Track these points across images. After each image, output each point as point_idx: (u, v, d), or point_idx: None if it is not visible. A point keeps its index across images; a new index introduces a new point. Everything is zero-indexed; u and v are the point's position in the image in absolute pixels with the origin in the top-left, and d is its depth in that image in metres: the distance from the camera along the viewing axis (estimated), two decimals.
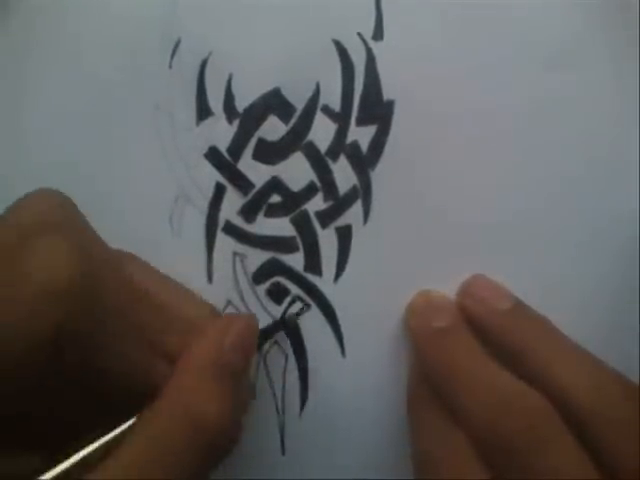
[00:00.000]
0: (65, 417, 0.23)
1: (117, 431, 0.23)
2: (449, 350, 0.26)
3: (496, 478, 0.24)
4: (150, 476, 0.21)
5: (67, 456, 0.22)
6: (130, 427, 0.23)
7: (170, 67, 0.29)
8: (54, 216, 0.22)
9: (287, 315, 0.29)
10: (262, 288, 0.29)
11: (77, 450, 0.22)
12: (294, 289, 0.29)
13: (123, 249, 0.28)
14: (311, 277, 0.29)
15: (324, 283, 0.29)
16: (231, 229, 0.29)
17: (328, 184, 0.29)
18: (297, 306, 0.29)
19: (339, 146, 0.28)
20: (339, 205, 0.29)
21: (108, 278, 0.22)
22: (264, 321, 0.29)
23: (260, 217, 0.29)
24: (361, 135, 0.28)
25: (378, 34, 0.28)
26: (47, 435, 0.23)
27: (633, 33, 0.28)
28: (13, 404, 0.21)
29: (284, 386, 0.29)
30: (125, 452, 0.21)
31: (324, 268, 0.29)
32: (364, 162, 0.28)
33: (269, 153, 0.29)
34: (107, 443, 0.23)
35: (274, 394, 0.29)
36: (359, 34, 0.28)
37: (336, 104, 0.28)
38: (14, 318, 0.20)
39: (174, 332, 0.24)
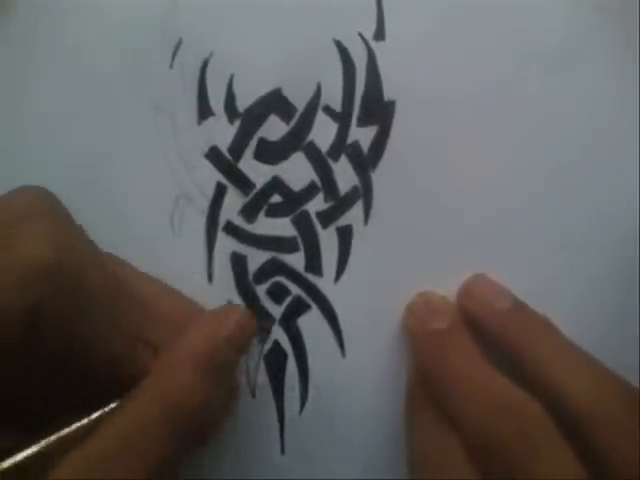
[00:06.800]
0: (44, 400, 0.23)
1: (95, 415, 0.23)
2: (445, 352, 0.26)
3: None
4: (122, 460, 0.22)
5: (44, 438, 0.23)
6: (110, 411, 0.23)
7: (171, 67, 0.29)
8: (40, 205, 0.23)
9: None
10: (262, 288, 0.29)
11: (54, 432, 0.23)
12: (294, 289, 0.29)
13: (124, 249, 0.29)
14: (311, 277, 0.29)
15: (324, 283, 0.29)
16: (232, 229, 0.29)
17: (329, 184, 0.29)
18: None
19: (340, 146, 0.28)
20: (340, 205, 0.29)
21: (89, 266, 0.23)
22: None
23: (261, 217, 0.29)
24: (362, 135, 0.28)
25: (379, 34, 0.28)
26: (25, 415, 0.23)
27: (633, 33, 0.28)
28: None
29: (284, 386, 0.29)
30: (105, 432, 0.22)
31: (325, 268, 0.29)
32: (365, 162, 0.28)
33: (270, 153, 0.29)
34: (88, 426, 0.23)
35: (274, 394, 0.29)
36: (360, 34, 0.28)
37: (337, 104, 0.28)
38: None
39: (156, 325, 0.25)
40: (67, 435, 0.23)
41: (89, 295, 0.23)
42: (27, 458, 0.22)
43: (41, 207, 0.23)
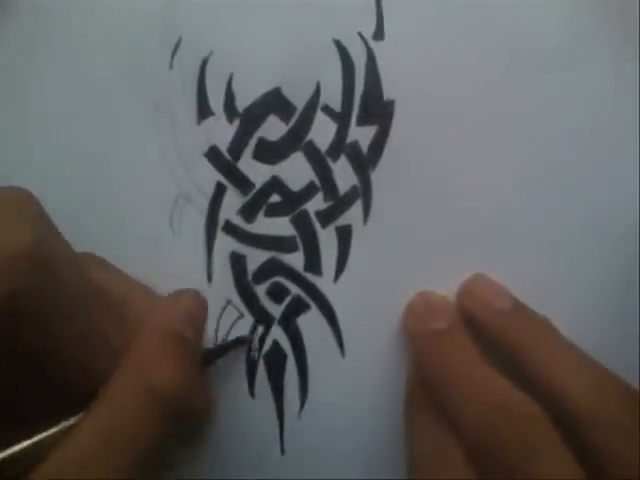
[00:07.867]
0: (20, 402, 0.23)
1: (73, 418, 0.23)
2: (444, 352, 0.26)
3: None
4: (114, 447, 0.22)
5: (21, 441, 0.23)
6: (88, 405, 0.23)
7: (170, 67, 0.29)
8: (23, 198, 0.23)
9: (239, 337, 0.29)
10: (262, 288, 0.29)
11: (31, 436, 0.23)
12: (294, 289, 0.29)
13: (123, 249, 0.29)
14: (311, 277, 0.29)
15: (324, 283, 0.29)
16: (231, 229, 0.29)
17: (328, 184, 0.29)
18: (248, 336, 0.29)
19: (339, 146, 0.28)
20: (339, 205, 0.29)
21: (65, 263, 0.23)
22: (265, 321, 0.29)
23: (260, 217, 0.29)
24: (361, 135, 0.28)
25: (379, 34, 0.28)
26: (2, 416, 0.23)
27: (633, 33, 0.28)
28: None
29: (284, 386, 0.29)
30: (86, 428, 0.22)
31: (324, 268, 0.29)
32: (364, 162, 0.28)
33: (269, 153, 0.29)
34: (66, 429, 0.23)
35: (274, 394, 0.29)
36: (360, 34, 0.28)
37: (336, 104, 0.28)
38: None
39: (124, 329, 0.25)
40: (45, 439, 0.23)
41: (63, 292, 0.23)
42: (3, 461, 0.22)
43: (23, 200, 0.23)
